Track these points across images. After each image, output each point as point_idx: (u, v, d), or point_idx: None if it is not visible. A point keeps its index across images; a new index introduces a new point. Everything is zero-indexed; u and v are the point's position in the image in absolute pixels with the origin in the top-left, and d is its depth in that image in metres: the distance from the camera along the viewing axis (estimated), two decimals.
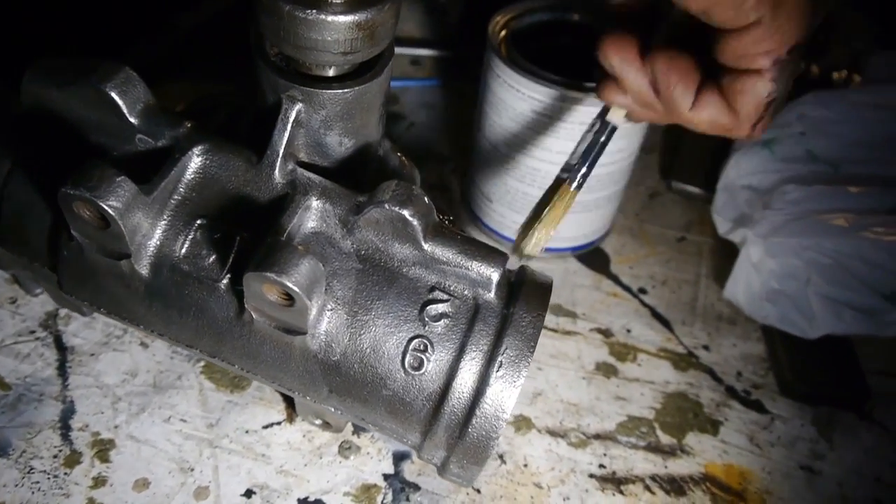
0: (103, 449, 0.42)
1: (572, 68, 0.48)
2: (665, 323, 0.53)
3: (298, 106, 0.34)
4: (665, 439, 0.46)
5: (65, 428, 0.43)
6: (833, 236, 0.48)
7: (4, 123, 0.39)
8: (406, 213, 0.33)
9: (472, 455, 0.35)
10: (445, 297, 0.35)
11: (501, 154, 0.52)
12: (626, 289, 0.55)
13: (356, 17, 0.31)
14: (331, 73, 0.34)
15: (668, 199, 0.62)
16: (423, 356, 0.34)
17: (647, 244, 0.59)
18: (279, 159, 0.35)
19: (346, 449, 0.43)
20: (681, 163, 0.61)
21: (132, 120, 0.35)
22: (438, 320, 0.35)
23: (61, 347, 0.46)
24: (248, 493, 0.41)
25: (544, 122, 0.48)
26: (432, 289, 0.35)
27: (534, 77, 0.47)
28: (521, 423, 0.46)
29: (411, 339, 0.34)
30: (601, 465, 0.45)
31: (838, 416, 0.49)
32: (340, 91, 0.34)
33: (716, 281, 0.56)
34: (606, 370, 0.50)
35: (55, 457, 0.41)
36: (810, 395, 0.49)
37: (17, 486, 0.40)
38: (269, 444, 0.43)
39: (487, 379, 0.34)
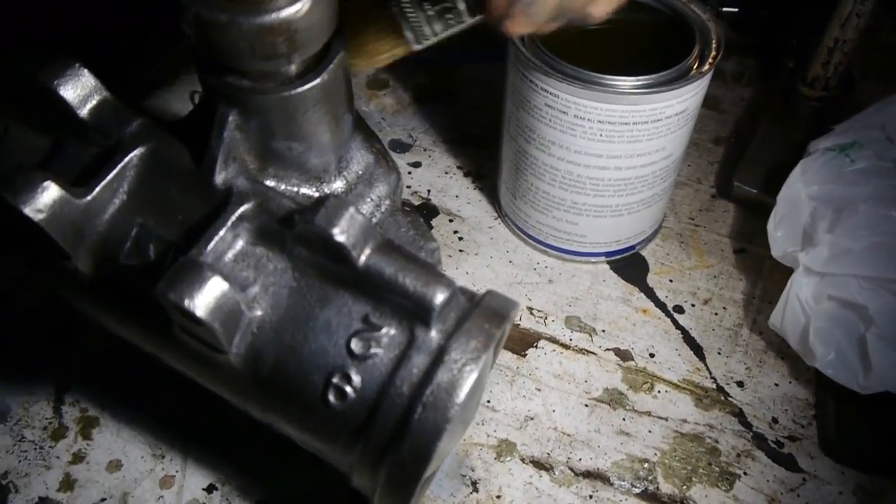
0: (88, 426, 0.44)
1: (600, 55, 0.42)
2: (697, 350, 0.47)
3: (232, 111, 0.32)
4: (666, 488, 0.41)
5: (59, 401, 0.45)
6: None
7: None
8: (334, 231, 0.30)
9: (393, 500, 0.32)
10: (378, 325, 0.32)
11: (521, 149, 0.47)
12: (660, 305, 0.49)
13: (266, 20, 0.28)
14: (262, 77, 0.31)
15: (733, 201, 0.54)
16: (346, 389, 0.32)
17: (696, 254, 0.52)
18: (217, 165, 0.33)
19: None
20: (750, 160, 0.52)
21: (81, 116, 0.34)
22: (367, 351, 0.32)
23: (73, 316, 0.48)
24: (210, 488, 0.41)
25: (560, 117, 0.42)
26: (365, 317, 0.32)
27: (547, 68, 0.41)
28: (504, 449, 0.43)
29: (336, 369, 0.32)
30: None
31: (891, 489, 0.41)
32: (274, 96, 0.31)
33: (772, 305, 0.48)
34: (614, 399, 0.44)
35: (45, 428, 0.43)
36: (858, 459, 0.41)
37: (8, 452, 0.42)
38: (245, 436, 0.43)
39: (408, 424, 0.31)
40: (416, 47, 0.35)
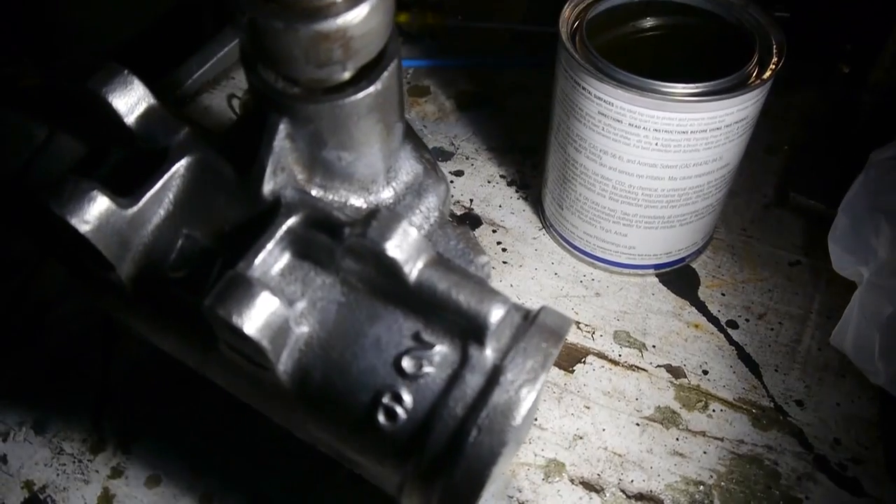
0: (127, 440, 0.43)
1: (654, 61, 0.40)
2: (753, 367, 0.45)
3: (283, 119, 0.31)
4: None
5: (98, 413, 0.44)
6: None
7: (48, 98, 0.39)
8: (387, 245, 0.29)
9: None
10: (430, 343, 0.31)
11: (570, 158, 0.45)
12: (713, 320, 0.47)
13: (324, 27, 0.27)
14: (315, 84, 0.30)
15: (787, 212, 0.52)
16: (397, 409, 0.30)
17: (749, 266, 0.50)
18: (265, 174, 0.32)
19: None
20: (805, 169, 0.50)
21: (128, 124, 0.34)
22: (419, 370, 0.30)
23: (110, 329, 0.48)
24: None
25: (614, 126, 0.41)
26: (416, 335, 0.31)
27: (601, 75, 0.40)
28: (553, 469, 0.41)
29: (386, 388, 0.31)
30: None
31: None
32: (327, 105, 0.30)
33: (830, 320, 0.46)
34: (667, 418, 0.43)
35: (84, 441, 0.43)
36: None
37: (46, 465, 0.42)
38: (285, 454, 0.42)
39: (462, 447, 0.29)
40: None
